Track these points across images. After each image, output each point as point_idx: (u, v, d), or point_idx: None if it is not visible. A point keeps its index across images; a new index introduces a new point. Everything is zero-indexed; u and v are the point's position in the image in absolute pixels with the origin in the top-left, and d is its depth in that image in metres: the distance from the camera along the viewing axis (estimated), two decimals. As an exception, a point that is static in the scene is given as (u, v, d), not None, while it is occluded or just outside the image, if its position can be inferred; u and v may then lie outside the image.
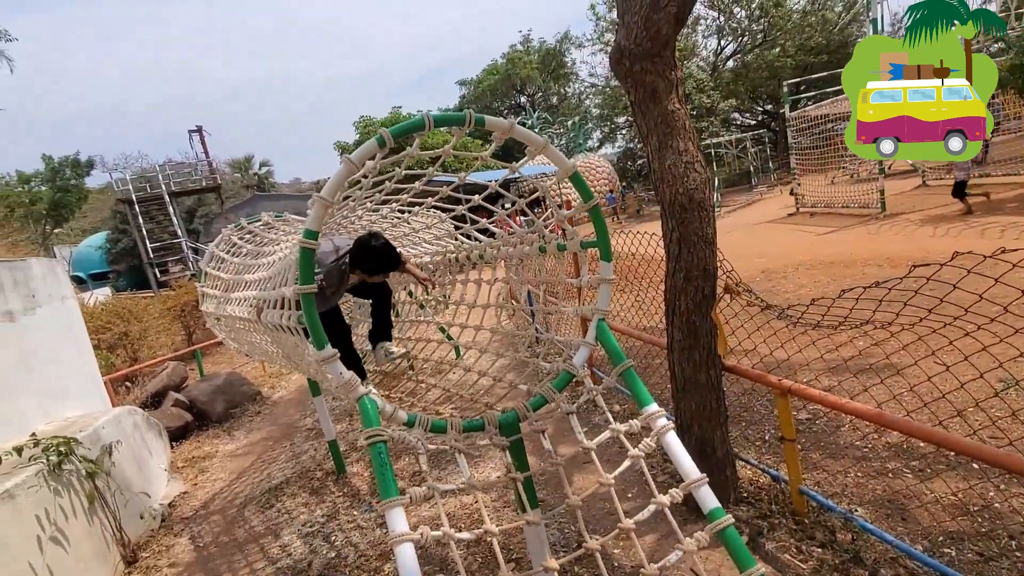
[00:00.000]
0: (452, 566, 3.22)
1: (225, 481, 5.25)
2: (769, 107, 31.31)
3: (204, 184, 20.17)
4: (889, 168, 17.40)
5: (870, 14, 11.11)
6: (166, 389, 6.80)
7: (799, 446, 3.59)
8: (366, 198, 2.72)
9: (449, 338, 4.87)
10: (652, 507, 1.92)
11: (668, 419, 2.05)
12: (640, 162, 32.03)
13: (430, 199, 3.07)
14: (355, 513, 4.06)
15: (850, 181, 15.65)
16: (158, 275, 17.38)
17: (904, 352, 3.01)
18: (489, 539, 1.87)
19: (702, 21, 30.91)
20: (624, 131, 32.72)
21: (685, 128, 2.95)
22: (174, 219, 17.78)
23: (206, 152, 21.98)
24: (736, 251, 10.52)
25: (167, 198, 17.59)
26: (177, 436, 6.24)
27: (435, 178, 2.59)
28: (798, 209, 14.71)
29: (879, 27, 11.24)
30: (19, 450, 3.36)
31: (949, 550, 2.50)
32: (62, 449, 3.43)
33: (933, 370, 2.70)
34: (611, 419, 2.15)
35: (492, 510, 3.72)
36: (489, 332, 3.53)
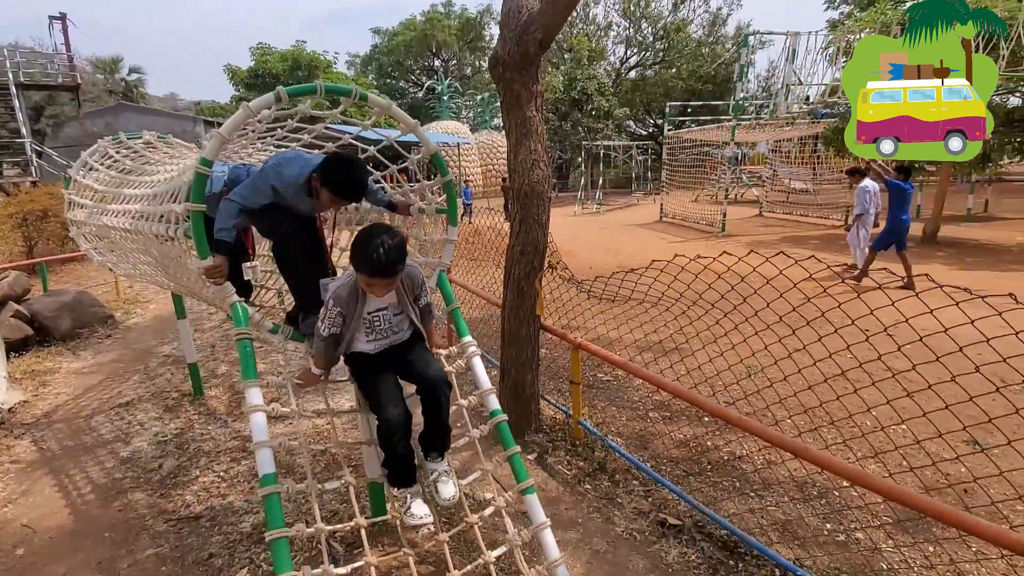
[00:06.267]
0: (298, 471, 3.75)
1: (69, 395, 5.23)
2: (659, 121, 34.14)
3: (60, 81, 17.58)
4: (740, 197, 20.19)
5: (740, 61, 12.85)
6: (5, 299, 6.35)
7: (594, 398, 4.61)
8: (259, 138, 3.11)
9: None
10: (466, 439, 2.60)
11: (477, 348, 2.77)
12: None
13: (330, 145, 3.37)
14: (210, 428, 4.41)
15: (710, 202, 17.99)
16: (-11, 175, 14.97)
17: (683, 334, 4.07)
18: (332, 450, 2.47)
19: (615, 27, 32.68)
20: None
21: (537, 132, 3.69)
22: (19, 115, 15.32)
23: (67, 45, 19.00)
24: (601, 245, 11.93)
25: (13, 89, 15.05)
26: (15, 348, 5.94)
27: (331, 127, 3.01)
28: (661, 218, 16.66)
29: (746, 73, 13.06)
30: None
31: (667, 467, 3.55)
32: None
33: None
34: (443, 358, 2.76)
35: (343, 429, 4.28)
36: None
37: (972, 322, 2.09)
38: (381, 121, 2.89)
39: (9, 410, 4.65)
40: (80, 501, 3.50)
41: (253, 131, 2.90)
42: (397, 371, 2.44)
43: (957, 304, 2.06)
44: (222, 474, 3.70)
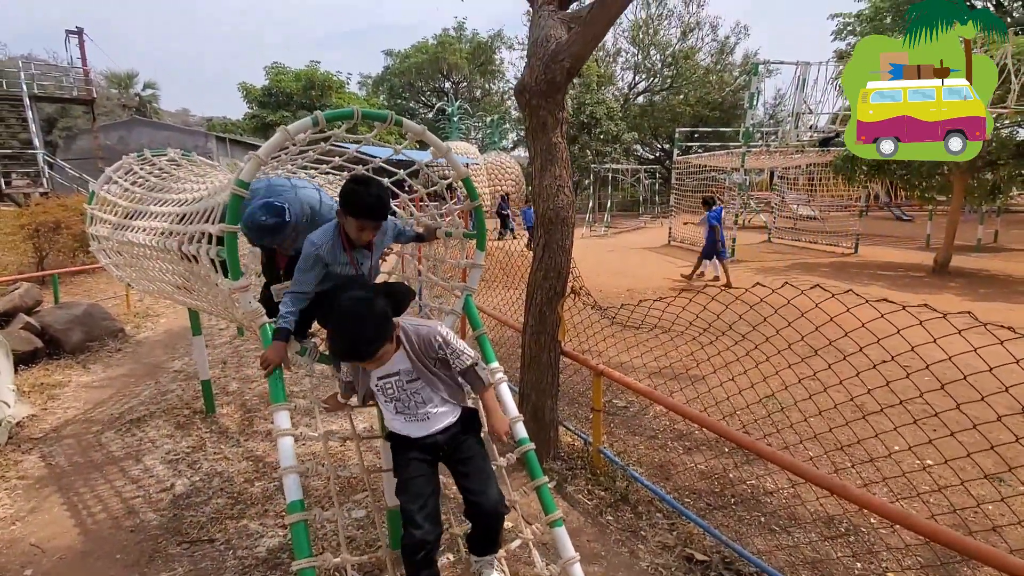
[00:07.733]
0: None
1: (79, 410, 5.18)
2: (667, 146, 34.47)
3: (75, 94, 17.83)
4: (748, 222, 20.24)
5: (750, 89, 13.00)
6: (16, 310, 6.35)
7: (612, 425, 4.54)
8: (291, 160, 3.12)
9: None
10: (492, 467, 2.55)
11: (504, 375, 2.73)
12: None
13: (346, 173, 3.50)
14: (222, 447, 4.34)
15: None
16: (1, 186, 15.06)
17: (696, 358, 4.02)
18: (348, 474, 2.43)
19: (623, 54, 33.20)
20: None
21: (563, 158, 3.70)
22: (32, 126, 15.47)
23: (83, 59, 19.33)
24: (609, 268, 11.92)
25: (27, 101, 15.24)
26: (24, 360, 5.91)
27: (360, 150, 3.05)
28: (669, 242, 16.67)
29: (755, 101, 13.20)
30: None
31: (690, 500, 3.48)
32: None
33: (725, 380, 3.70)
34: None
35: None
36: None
37: (1018, 362, 2.06)
38: (384, 137, 2.92)
39: (17, 424, 4.60)
40: (90, 521, 3.43)
41: (287, 153, 2.91)
42: (448, 466, 2.18)
43: (1002, 343, 2.03)
44: (235, 496, 3.63)
